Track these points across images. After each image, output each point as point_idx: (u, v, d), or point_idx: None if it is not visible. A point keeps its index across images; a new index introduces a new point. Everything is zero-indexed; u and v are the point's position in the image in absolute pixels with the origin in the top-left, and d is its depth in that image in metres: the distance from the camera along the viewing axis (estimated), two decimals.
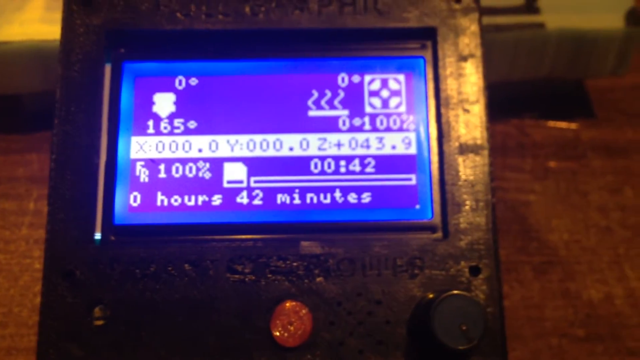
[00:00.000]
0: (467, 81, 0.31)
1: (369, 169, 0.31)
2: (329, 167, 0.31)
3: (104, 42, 0.31)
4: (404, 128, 0.31)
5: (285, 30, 0.31)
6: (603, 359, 0.35)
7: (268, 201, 0.30)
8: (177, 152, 0.31)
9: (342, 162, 0.31)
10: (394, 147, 0.31)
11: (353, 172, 0.31)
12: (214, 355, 0.28)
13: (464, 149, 0.30)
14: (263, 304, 0.28)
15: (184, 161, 0.31)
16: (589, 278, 0.37)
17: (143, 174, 0.31)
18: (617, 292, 0.37)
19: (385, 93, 0.32)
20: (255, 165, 0.31)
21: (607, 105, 0.44)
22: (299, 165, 0.31)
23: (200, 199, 0.30)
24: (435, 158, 0.31)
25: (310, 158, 0.31)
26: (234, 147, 0.31)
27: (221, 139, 0.31)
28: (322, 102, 0.32)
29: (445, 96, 0.31)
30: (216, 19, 0.31)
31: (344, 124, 0.31)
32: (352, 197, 0.31)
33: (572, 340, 0.35)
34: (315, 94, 0.32)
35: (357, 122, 0.31)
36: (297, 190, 0.31)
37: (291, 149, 0.31)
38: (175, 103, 0.31)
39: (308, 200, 0.31)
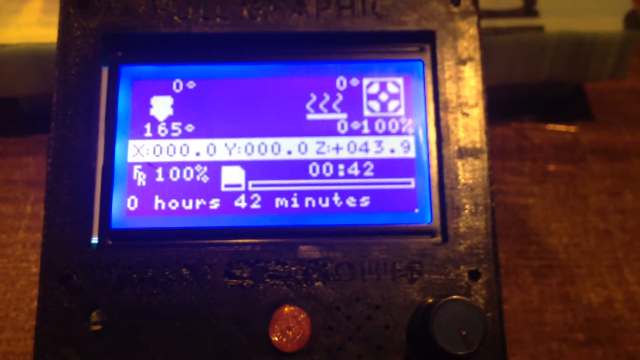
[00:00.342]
0: (466, 84, 0.31)
1: (367, 173, 0.31)
2: (328, 170, 0.31)
3: (101, 45, 0.31)
4: (402, 131, 0.31)
5: (283, 33, 0.31)
6: None
7: (266, 205, 0.30)
8: (174, 156, 0.31)
9: (341, 166, 0.31)
10: (392, 151, 0.31)
11: (352, 176, 0.31)
12: None
13: (463, 153, 0.30)
14: (261, 309, 0.28)
15: (181, 165, 0.31)
16: (588, 282, 0.37)
17: (140, 178, 0.31)
18: (617, 296, 0.36)
19: (383, 96, 0.32)
20: (254, 169, 0.31)
21: (606, 108, 0.44)
22: (297, 169, 0.31)
23: (198, 203, 0.30)
24: (434, 162, 0.31)
25: (308, 162, 0.31)
26: (231, 150, 0.31)
27: (219, 142, 0.31)
28: (321, 106, 0.31)
29: (444, 100, 0.31)
30: (214, 22, 0.31)
31: (342, 127, 0.31)
32: (350, 201, 0.30)
33: (572, 344, 0.35)
34: (314, 98, 0.31)
35: (355, 125, 0.31)
36: (295, 194, 0.30)
37: (289, 152, 0.31)
38: (173, 106, 0.31)
39: (306, 204, 0.30)
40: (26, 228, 0.38)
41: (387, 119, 0.31)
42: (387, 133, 0.31)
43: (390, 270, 0.29)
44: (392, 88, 0.32)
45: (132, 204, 0.30)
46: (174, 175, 0.31)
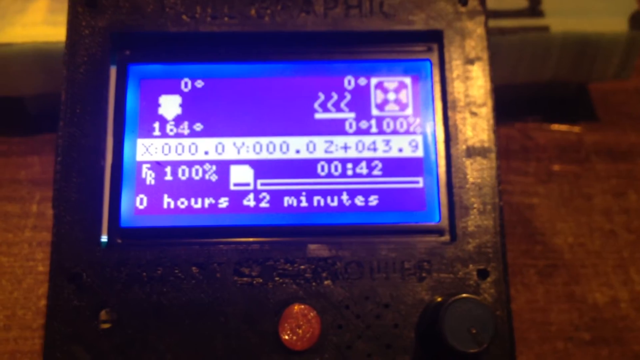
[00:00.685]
0: (474, 84, 0.31)
1: (376, 172, 0.31)
2: (336, 169, 0.31)
3: (109, 44, 0.31)
4: (410, 131, 0.31)
5: (291, 32, 0.31)
6: None
7: (275, 204, 0.30)
8: (183, 155, 0.31)
9: (349, 165, 0.31)
10: (400, 150, 0.31)
11: (360, 175, 0.31)
12: (221, 359, 0.28)
13: (472, 152, 0.30)
14: (271, 307, 0.28)
15: (190, 164, 0.31)
16: (594, 281, 0.37)
17: (149, 177, 0.31)
18: (623, 295, 0.36)
19: (391, 96, 0.32)
20: (262, 168, 0.31)
21: (610, 108, 0.44)
22: (305, 167, 0.31)
23: (207, 201, 0.30)
24: (442, 161, 0.31)
25: (317, 161, 0.31)
26: (240, 149, 0.31)
27: (227, 141, 0.31)
28: (329, 105, 0.32)
29: (452, 99, 0.31)
30: (222, 21, 0.31)
31: (350, 126, 0.31)
32: (359, 200, 0.31)
33: (578, 343, 0.35)
34: (322, 97, 0.32)
35: (363, 124, 0.31)
36: (304, 193, 0.31)
37: (298, 151, 0.31)
38: (181, 105, 0.31)
39: (315, 203, 0.30)
40: (32, 227, 0.38)
41: (395, 118, 0.31)
42: (395, 132, 0.31)
43: (399, 269, 0.29)
44: (399, 87, 0.32)
45: (141, 203, 0.30)
46: (183, 174, 0.31)
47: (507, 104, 0.41)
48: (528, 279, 0.37)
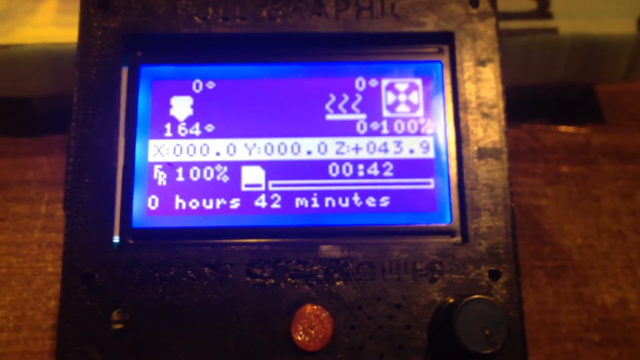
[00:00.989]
0: (486, 85, 0.31)
1: (387, 173, 0.31)
2: (347, 170, 0.31)
3: (121, 46, 0.31)
4: (421, 132, 0.31)
5: (302, 34, 0.31)
6: None
7: (286, 205, 0.30)
8: (194, 156, 0.31)
9: (360, 166, 0.31)
10: (412, 151, 0.31)
11: (371, 176, 0.31)
12: (233, 359, 0.28)
13: (483, 153, 0.30)
14: (283, 308, 0.28)
15: (201, 164, 0.31)
16: (602, 283, 0.37)
17: (161, 177, 0.31)
18: (631, 296, 0.37)
19: (402, 97, 0.32)
20: (273, 169, 0.31)
21: (617, 110, 0.44)
22: (317, 169, 0.31)
23: (219, 202, 0.30)
24: (453, 162, 0.31)
25: (328, 162, 0.31)
26: (251, 150, 0.31)
27: (239, 142, 0.31)
28: (340, 106, 0.32)
29: (463, 100, 0.31)
30: (233, 23, 0.31)
31: (361, 127, 0.31)
32: (370, 201, 0.31)
33: (588, 345, 0.35)
34: (333, 98, 0.32)
35: (374, 126, 0.31)
36: (315, 194, 0.31)
37: (309, 152, 0.31)
38: (193, 106, 0.31)
39: (326, 204, 0.30)
40: (41, 228, 0.38)
41: (406, 120, 0.32)
42: (406, 133, 0.31)
43: (411, 270, 0.29)
44: (410, 89, 0.32)
45: (152, 204, 0.30)
46: (195, 175, 0.31)
47: (515, 106, 0.41)
48: (537, 280, 0.37)
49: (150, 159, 0.31)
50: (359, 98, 0.32)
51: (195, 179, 0.31)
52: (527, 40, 0.39)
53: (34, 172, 0.40)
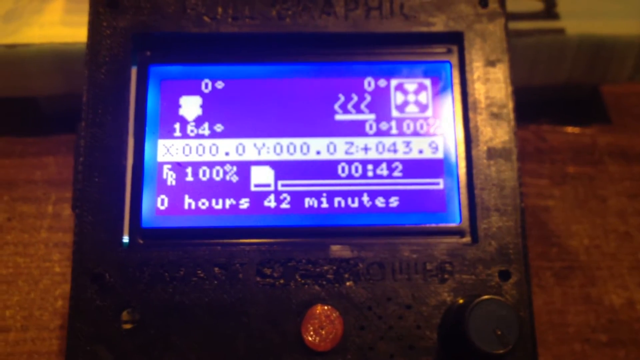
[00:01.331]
0: (495, 86, 0.31)
1: (396, 173, 0.31)
2: (357, 171, 0.31)
3: (130, 45, 0.31)
4: (430, 132, 0.31)
5: (311, 34, 0.31)
6: None
7: (296, 205, 0.30)
8: (204, 156, 0.31)
9: (370, 166, 0.31)
10: (421, 152, 0.31)
11: (380, 176, 0.31)
12: (243, 359, 0.28)
13: (493, 154, 0.30)
14: (293, 308, 0.28)
15: (211, 164, 0.31)
16: (610, 283, 0.37)
17: (170, 177, 0.31)
18: (638, 297, 0.37)
19: (411, 97, 0.32)
20: (283, 169, 0.31)
21: (623, 111, 0.44)
22: (326, 169, 0.31)
23: (228, 202, 0.30)
24: (462, 162, 0.31)
25: (337, 162, 0.31)
26: (261, 150, 0.31)
27: (248, 142, 0.31)
28: (349, 106, 0.32)
29: (472, 100, 0.31)
30: (243, 22, 0.31)
31: (370, 128, 0.31)
32: (379, 201, 0.31)
33: (595, 345, 0.35)
34: (342, 98, 0.32)
35: (383, 126, 0.31)
36: (324, 194, 0.31)
37: (318, 152, 0.31)
38: (202, 106, 0.31)
39: (336, 204, 0.30)
40: (48, 228, 0.38)
41: (415, 120, 0.32)
42: (415, 134, 0.31)
43: (421, 270, 0.29)
44: (419, 89, 0.32)
45: (162, 203, 0.30)
46: (204, 174, 0.31)
47: (521, 106, 0.41)
48: (545, 281, 0.37)
49: (160, 158, 0.31)
50: (368, 98, 0.32)
51: (204, 178, 0.31)
52: (534, 40, 0.39)
53: (40, 172, 0.40)
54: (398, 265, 0.29)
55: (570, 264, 0.38)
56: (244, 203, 0.30)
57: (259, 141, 0.31)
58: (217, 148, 0.31)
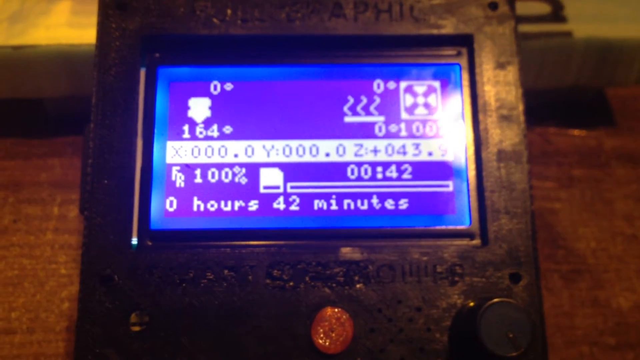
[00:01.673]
0: (505, 88, 0.31)
1: (405, 175, 0.31)
2: (366, 173, 0.31)
3: (139, 47, 0.31)
4: (440, 135, 0.31)
5: (321, 36, 0.31)
6: None
7: (305, 207, 0.30)
8: (213, 157, 0.31)
9: (379, 168, 0.31)
10: (430, 154, 0.31)
11: (390, 179, 0.31)
12: None
13: (503, 156, 0.30)
14: (303, 310, 0.28)
15: (220, 166, 0.31)
16: (617, 286, 0.37)
17: (179, 179, 0.30)
18: None
19: (420, 99, 0.32)
20: (292, 171, 0.31)
21: (628, 114, 0.44)
22: (335, 171, 0.31)
23: (237, 204, 0.30)
24: (472, 165, 0.31)
25: (346, 164, 0.31)
26: (270, 152, 0.31)
27: (257, 144, 0.31)
28: (358, 108, 0.32)
29: (482, 103, 0.31)
30: (252, 24, 0.31)
31: (380, 130, 0.31)
32: (389, 204, 0.31)
33: (603, 348, 0.35)
34: (351, 100, 0.32)
35: (393, 128, 0.31)
36: (334, 196, 0.30)
37: (327, 154, 0.31)
38: (211, 108, 0.31)
39: (345, 207, 0.30)
40: (54, 229, 0.38)
41: (424, 122, 0.31)
42: (424, 136, 0.31)
43: (431, 273, 0.29)
44: (429, 91, 0.32)
45: (171, 205, 0.30)
46: (213, 176, 0.31)
47: (527, 109, 0.41)
48: (552, 283, 0.37)
49: (169, 160, 0.31)
50: (377, 100, 0.32)
51: (213, 180, 0.31)
52: (541, 43, 0.39)
53: (46, 173, 0.40)
54: (408, 267, 0.29)
55: (577, 267, 0.37)
56: (253, 205, 0.30)
57: (268, 143, 0.31)
58: (226, 150, 0.31)
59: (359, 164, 0.31)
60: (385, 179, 0.31)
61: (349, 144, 0.31)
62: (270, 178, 0.31)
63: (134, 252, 0.29)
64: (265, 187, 0.31)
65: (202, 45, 0.32)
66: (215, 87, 0.31)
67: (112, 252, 0.29)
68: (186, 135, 0.31)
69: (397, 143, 0.31)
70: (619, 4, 0.40)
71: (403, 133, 0.31)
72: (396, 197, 0.31)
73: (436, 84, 0.32)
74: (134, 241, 0.29)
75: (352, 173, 0.31)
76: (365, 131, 0.31)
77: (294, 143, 0.31)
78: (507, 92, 0.31)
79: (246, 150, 0.31)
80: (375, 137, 0.31)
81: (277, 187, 0.31)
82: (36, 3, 0.39)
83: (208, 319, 0.28)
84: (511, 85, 0.31)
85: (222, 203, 0.30)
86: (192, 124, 0.31)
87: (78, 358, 0.28)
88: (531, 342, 0.26)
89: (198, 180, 0.31)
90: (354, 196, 0.31)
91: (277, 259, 0.29)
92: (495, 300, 0.26)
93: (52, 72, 0.38)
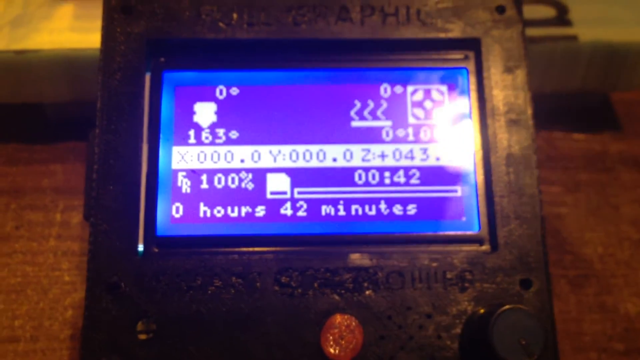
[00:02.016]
0: (513, 92, 0.31)
1: (413, 181, 0.31)
2: (374, 178, 0.31)
3: (145, 51, 0.31)
4: (448, 139, 0.31)
5: (327, 40, 0.31)
6: None
7: (312, 212, 0.30)
8: (219, 163, 0.30)
9: (387, 174, 0.31)
10: (438, 159, 0.31)
11: (398, 184, 0.30)
12: None
13: (512, 160, 0.30)
14: (312, 317, 0.28)
15: (226, 172, 0.30)
16: (625, 291, 0.37)
17: (185, 185, 0.30)
18: None
19: (428, 104, 0.32)
20: (299, 176, 0.30)
21: (634, 118, 0.44)
22: (342, 176, 0.31)
23: (244, 210, 0.30)
24: (480, 169, 0.30)
25: (354, 169, 0.31)
26: (276, 157, 0.31)
27: (263, 149, 0.31)
28: (365, 113, 0.31)
29: (490, 107, 0.31)
30: (258, 28, 0.31)
31: (387, 134, 0.31)
32: (397, 209, 0.30)
33: (612, 354, 0.35)
34: (358, 105, 0.31)
35: (400, 132, 0.31)
36: (341, 202, 0.30)
37: (335, 159, 0.31)
38: (217, 113, 0.31)
39: (353, 212, 0.30)
40: (57, 236, 0.37)
41: (432, 127, 0.31)
42: (432, 141, 0.31)
43: (441, 279, 0.29)
44: (436, 95, 0.32)
45: (177, 211, 0.30)
46: (219, 182, 0.30)
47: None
48: (560, 289, 0.36)
49: (174, 166, 0.30)
50: (385, 105, 0.31)
51: (219, 186, 0.30)
52: (546, 47, 0.38)
53: (48, 179, 0.40)
54: (417, 273, 0.29)
55: (584, 272, 0.37)
56: (260, 211, 0.30)
57: (275, 148, 0.31)
58: (232, 155, 0.31)
59: (367, 169, 0.31)
60: (393, 184, 0.30)
61: (356, 149, 0.31)
62: (277, 183, 0.30)
63: (140, 259, 0.29)
64: (272, 193, 0.30)
65: (208, 50, 0.31)
66: (221, 91, 0.31)
67: (118, 259, 0.28)
68: (192, 140, 0.31)
69: (404, 148, 0.31)
70: (625, 8, 0.39)
71: (410, 138, 0.31)
72: (404, 202, 0.30)
73: (443, 88, 0.32)
74: (140, 248, 0.29)
75: (360, 178, 0.31)
76: (373, 136, 0.31)
77: (300, 148, 0.31)
78: (516, 96, 0.31)
79: (253, 155, 0.31)
80: (382, 141, 0.31)
81: (284, 193, 0.30)
82: (38, 7, 0.38)
83: (216, 327, 0.28)
84: (519, 90, 0.31)
85: (229, 209, 0.30)
86: (198, 129, 0.31)
87: None
88: (544, 349, 0.26)
89: (204, 185, 0.30)
90: (361, 202, 0.30)
91: (285, 266, 0.29)
92: (507, 306, 0.26)
93: (54, 76, 0.38)
